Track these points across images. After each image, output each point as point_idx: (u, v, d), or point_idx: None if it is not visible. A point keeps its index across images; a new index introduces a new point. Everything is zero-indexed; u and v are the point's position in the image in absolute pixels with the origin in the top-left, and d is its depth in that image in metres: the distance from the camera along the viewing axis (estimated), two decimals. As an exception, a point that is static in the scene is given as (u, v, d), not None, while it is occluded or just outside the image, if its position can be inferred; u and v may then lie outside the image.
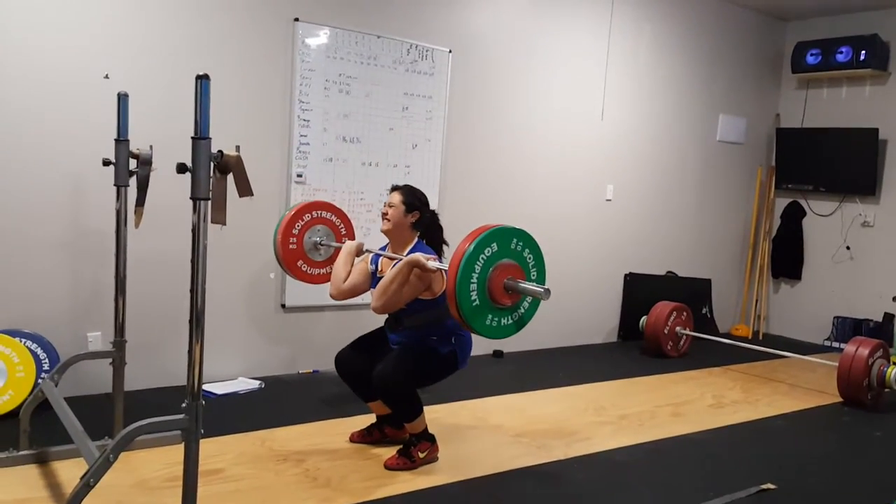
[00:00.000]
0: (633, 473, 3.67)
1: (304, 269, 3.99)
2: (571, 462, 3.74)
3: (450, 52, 5.34)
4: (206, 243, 2.25)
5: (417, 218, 3.55)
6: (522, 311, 3.08)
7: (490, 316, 2.96)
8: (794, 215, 7.53)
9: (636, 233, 6.77)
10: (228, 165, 2.30)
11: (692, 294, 7.03)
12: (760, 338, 7.38)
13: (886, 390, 5.12)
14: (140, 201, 3.14)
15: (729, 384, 5.50)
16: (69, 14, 3.98)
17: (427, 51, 5.23)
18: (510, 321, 3.05)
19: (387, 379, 3.36)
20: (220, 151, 2.26)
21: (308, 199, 4.77)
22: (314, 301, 4.96)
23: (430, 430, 3.57)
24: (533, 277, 3.06)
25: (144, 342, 4.17)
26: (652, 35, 6.57)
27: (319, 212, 4.01)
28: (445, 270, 2.99)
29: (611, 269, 6.67)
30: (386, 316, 3.59)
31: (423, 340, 3.49)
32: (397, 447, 3.57)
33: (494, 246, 2.90)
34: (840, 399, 5.17)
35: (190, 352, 2.28)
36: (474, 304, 2.87)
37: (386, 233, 3.56)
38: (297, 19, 4.67)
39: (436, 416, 4.01)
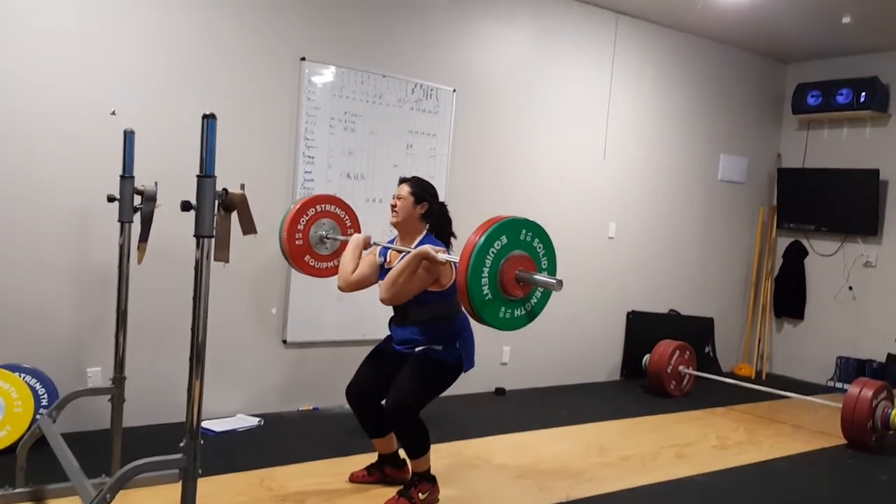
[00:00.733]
0: (636, 516, 3.63)
1: (311, 264, 3.94)
2: (574, 504, 3.69)
3: (454, 90, 5.39)
4: (209, 280, 2.25)
5: (426, 209, 3.52)
6: (534, 301, 3.06)
7: (503, 308, 2.94)
8: (796, 255, 7.52)
9: (639, 270, 6.76)
10: (233, 203, 2.31)
11: (695, 333, 7.00)
12: (763, 377, 7.33)
13: (891, 432, 5.07)
14: (143, 237, 3.15)
15: (733, 425, 5.45)
16: (78, 52, 4.03)
17: (431, 89, 5.28)
18: (522, 312, 3.02)
19: (398, 406, 3.35)
20: (224, 189, 2.26)
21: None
22: (316, 337, 4.95)
23: (432, 471, 3.53)
24: (544, 268, 3.04)
25: (144, 377, 4.14)
26: (654, 75, 6.63)
27: (324, 205, 3.95)
28: (455, 262, 2.97)
29: (613, 307, 6.65)
30: (391, 314, 3.57)
31: (429, 354, 3.43)
32: (397, 488, 3.53)
33: (504, 238, 2.88)
34: (844, 441, 5.11)
35: (189, 389, 2.26)
36: (486, 297, 2.84)
37: (395, 225, 3.53)
38: (303, 58, 4.73)
39: (437, 455, 3.96)
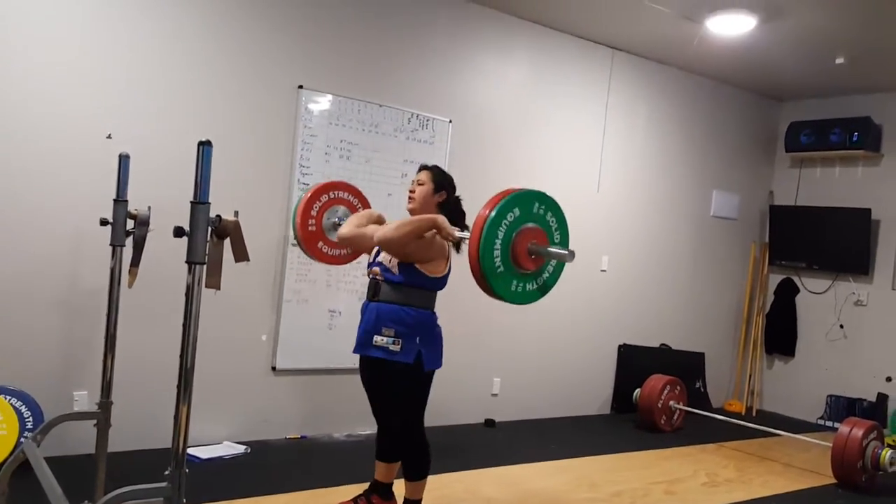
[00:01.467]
0: (624, 553, 3.60)
1: (325, 251, 3.92)
2: (562, 540, 3.66)
3: (450, 121, 5.42)
4: (200, 307, 2.24)
5: (444, 199, 3.50)
6: (546, 276, 3.03)
7: (515, 282, 2.92)
8: (787, 292, 7.54)
9: (631, 304, 6.77)
10: (226, 230, 2.30)
11: (686, 368, 6.99)
12: (754, 414, 7.32)
13: (881, 473, 5.05)
14: (135, 261, 3.13)
15: (723, 462, 5.43)
16: (75, 77, 4.05)
17: (428, 120, 5.31)
18: (534, 286, 3.00)
19: (396, 432, 3.44)
20: (218, 216, 2.26)
21: (305, 262, 4.79)
22: (306, 364, 4.93)
23: None
24: (557, 241, 3.02)
25: (131, 402, 4.10)
26: (648, 111, 6.69)
27: (337, 192, 3.94)
28: (465, 239, 2.97)
29: (605, 340, 6.64)
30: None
31: (389, 371, 3.36)
32: (384, 520, 3.50)
33: (517, 211, 2.87)
34: (834, 480, 5.09)
35: (176, 416, 2.23)
36: (499, 270, 2.83)
37: (411, 212, 3.48)
38: (301, 87, 4.75)
39: (426, 488, 3.93)
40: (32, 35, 3.92)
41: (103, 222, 3.30)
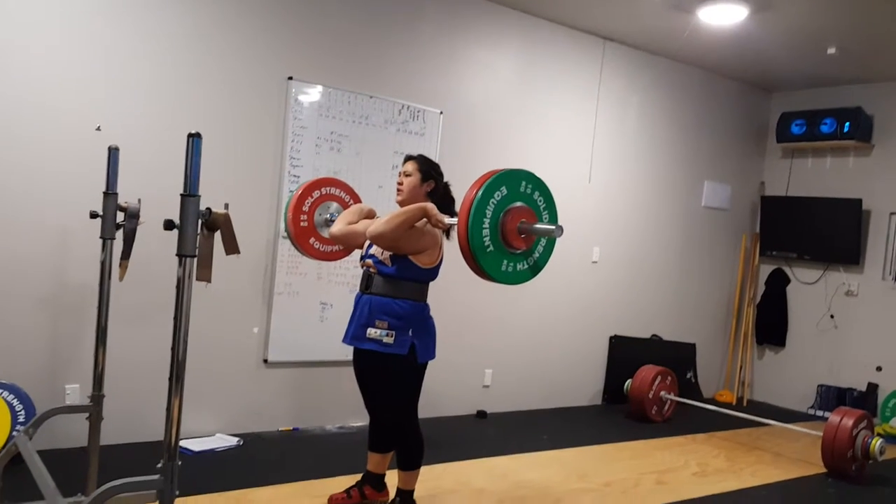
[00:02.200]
0: (615, 543, 3.62)
1: (317, 247, 3.93)
2: (553, 530, 3.67)
3: (441, 113, 5.41)
4: (191, 300, 2.23)
5: (432, 188, 3.51)
6: (537, 255, 3.06)
7: (505, 261, 2.95)
8: (778, 282, 7.57)
9: (622, 295, 6.78)
10: (216, 223, 2.30)
11: (677, 358, 7.02)
12: (744, 404, 7.35)
13: (870, 462, 5.09)
14: (125, 254, 3.12)
15: (713, 452, 5.45)
16: (62, 69, 4.02)
17: (418, 111, 5.30)
18: (525, 266, 3.03)
19: (389, 424, 3.49)
20: (208, 209, 2.25)
21: (295, 255, 4.78)
22: (297, 357, 4.93)
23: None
24: (545, 220, 3.05)
25: (123, 395, 4.10)
26: (639, 102, 6.69)
27: (328, 188, 3.96)
28: (453, 225, 3.00)
29: (596, 332, 6.66)
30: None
31: (382, 363, 3.38)
32: (376, 511, 3.51)
33: (504, 189, 2.88)
34: (824, 470, 5.13)
35: (168, 409, 2.24)
36: (488, 249, 2.85)
37: (400, 204, 3.48)
38: (290, 78, 4.74)
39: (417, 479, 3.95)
40: (18, 28, 3.89)
41: (93, 215, 3.29)
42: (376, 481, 3.72)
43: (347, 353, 3.68)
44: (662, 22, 5.80)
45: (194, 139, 2.18)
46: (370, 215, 3.63)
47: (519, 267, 3.02)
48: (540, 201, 3.04)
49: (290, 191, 4.76)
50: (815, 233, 7.17)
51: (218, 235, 2.38)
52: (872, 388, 6.73)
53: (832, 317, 7.17)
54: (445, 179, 3.59)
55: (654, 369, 6.22)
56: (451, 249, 3.24)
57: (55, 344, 4.13)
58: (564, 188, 6.21)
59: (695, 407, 6.35)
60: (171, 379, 2.24)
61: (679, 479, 4.73)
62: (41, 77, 3.96)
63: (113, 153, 3.23)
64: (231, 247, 2.45)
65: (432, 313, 3.51)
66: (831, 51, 6.06)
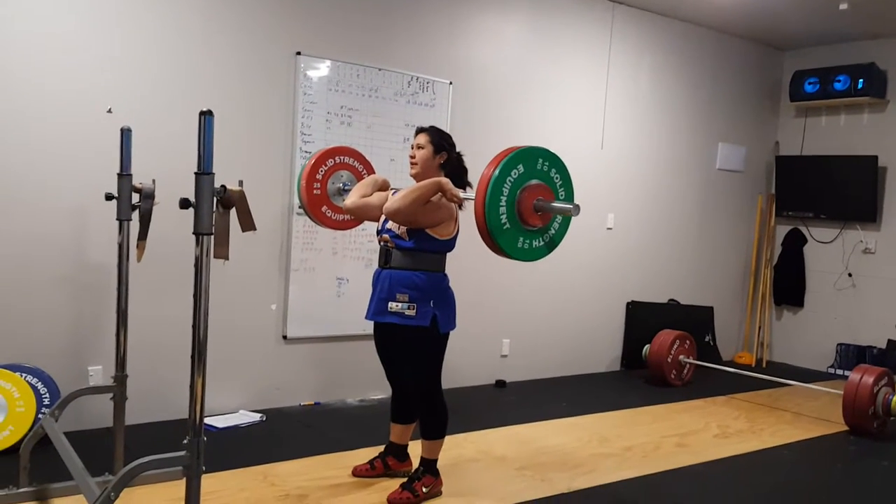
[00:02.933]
0: (638, 506, 3.64)
1: (328, 215, 3.94)
2: (576, 496, 3.69)
3: (450, 83, 5.38)
4: (209, 278, 2.25)
5: (445, 159, 3.50)
6: (553, 232, 3.07)
7: (521, 238, 2.96)
8: (795, 242, 7.53)
9: (637, 261, 6.77)
10: (232, 200, 2.30)
11: (695, 322, 7.01)
12: (764, 365, 7.35)
13: (892, 419, 5.09)
14: (142, 235, 3.14)
15: (733, 413, 5.46)
16: (73, 51, 4.02)
17: (428, 82, 5.27)
18: (541, 243, 3.04)
19: (417, 394, 3.50)
20: (223, 186, 2.26)
21: (310, 231, 4.79)
22: (316, 332, 4.96)
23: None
24: (562, 197, 3.04)
25: (145, 375, 4.14)
26: (651, 65, 6.62)
27: (342, 157, 3.96)
28: (471, 199, 3.00)
29: (613, 298, 6.65)
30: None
31: (407, 335, 3.39)
32: (400, 481, 3.54)
33: (521, 167, 2.88)
34: (845, 428, 5.13)
35: (192, 386, 2.26)
36: (505, 227, 2.85)
37: (414, 177, 3.48)
38: (298, 53, 4.71)
39: (439, 448, 3.98)
40: (27, 12, 3.88)
41: (108, 197, 3.31)
42: (399, 452, 3.75)
43: (366, 326, 3.70)
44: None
45: (206, 117, 2.17)
46: (384, 187, 3.63)
47: (535, 244, 3.02)
48: (557, 178, 3.03)
49: (303, 166, 4.76)
50: (831, 191, 7.11)
51: (233, 213, 2.39)
52: (892, 344, 6.70)
53: (850, 275, 7.13)
54: (458, 150, 3.58)
55: (673, 333, 6.21)
56: (467, 221, 3.25)
57: (77, 326, 4.17)
58: (577, 156, 6.19)
59: (714, 370, 6.35)
60: (193, 357, 2.26)
61: (700, 441, 4.75)
62: (51, 60, 3.96)
63: (126, 134, 3.24)
64: (247, 223, 2.45)
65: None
66: (843, 6, 5.95)
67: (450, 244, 3.45)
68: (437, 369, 3.50)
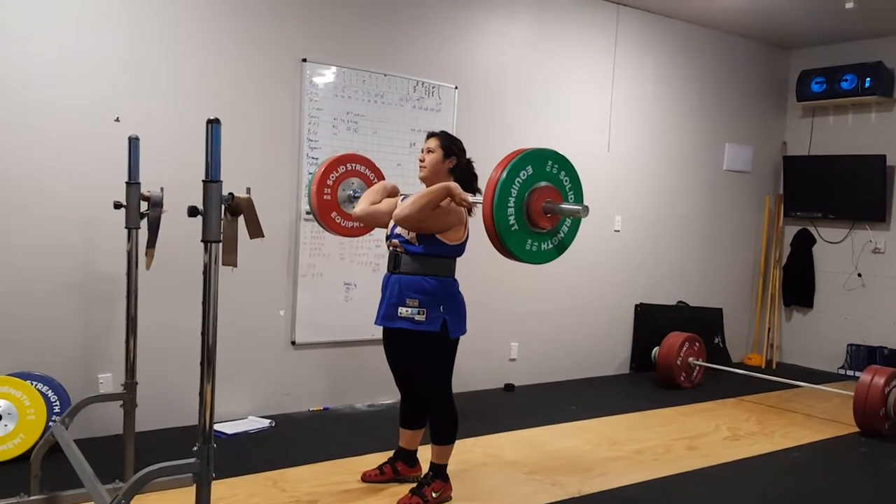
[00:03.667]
0: (649, 509, 3.63)
1: (338, 221, 3.93)
2: (587, 500, 3.69)
3: (456, 88, 5.39)
4: (218, 285, 2.25)
5: (455, 164, 3.50)
6: (562, 234, 3.07)
7: (530, 241, 2.96)
8: (803, 243, 7.50)
9: (645, 263, 6.75)
10: (239, 208, 2.31)
11: (704, 324, 6.99)
12: (774, 367, 7.32)
13: (904, 419, 5.06)
14: (151, 243, 3.15)
15: (744, 415, 5.44)
16: (79, 61, 4.04)
17: (433, 87, 5.28)
18: (551, 245, 3.04)
19: (430, 397, 3.49)
20: (230, 194, 2.27)
21: (318, 236, 4.80)
22: (324, 337, 4.96)
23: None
24: (570, 200, 3.03)
25: (155, 382, 4.16)
26: (656, 67, 6.61)
27: (353, 164, 3.96)
28: (480, 203, 3.00)
29: (621, 300, 6.64)
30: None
31: (417, 340, 3.38)
32: (410, 486, 3.54)
33: (529, 169, 2.88)
34: (857, 429, 5.10)
35: (201, 393, 2.27)
36: (513, 228, 2.85)
37: (423, 180, 3.50)
38: (304, 60, 4.73)
39: (448, 453, 3.98)
40: (33, 19, 3.91)
41: (117, 205, 3.32)
42: (408, 457, 3.75)
43: (374, 332, 3.70)
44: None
45: (213, 125, 2.18)
46: (393, 193, 3.63)
47: (544, 246, 3.01)
48: (566, 181, 3.02)
49: (310, 173, 4.77)
50: (839, 191, 7.08)
51: (241, 220, 2.39)
52: (903, 345, 6.68)
53: (860, 275, 7.09)
54: (468, 156, 3.58)
55: (682, 336, 6.20)
56: (476, 225, 3.24)
57: (86, 334, 4.18)
58: (583, 158, 6.16)
59: (724, 372, 6.33)
60: (202, 364, 2.27)
61: (710, 443, 4.73)
62: (58, 70, 3.98)
63: (133, 143, 3.25)
64: (255, 230, 2.46)
65: (457, 289, 3.53)
66: (849, 5, 5.93)
67: (459, 249, 3.45)
68: (447, 374, 3.50)
